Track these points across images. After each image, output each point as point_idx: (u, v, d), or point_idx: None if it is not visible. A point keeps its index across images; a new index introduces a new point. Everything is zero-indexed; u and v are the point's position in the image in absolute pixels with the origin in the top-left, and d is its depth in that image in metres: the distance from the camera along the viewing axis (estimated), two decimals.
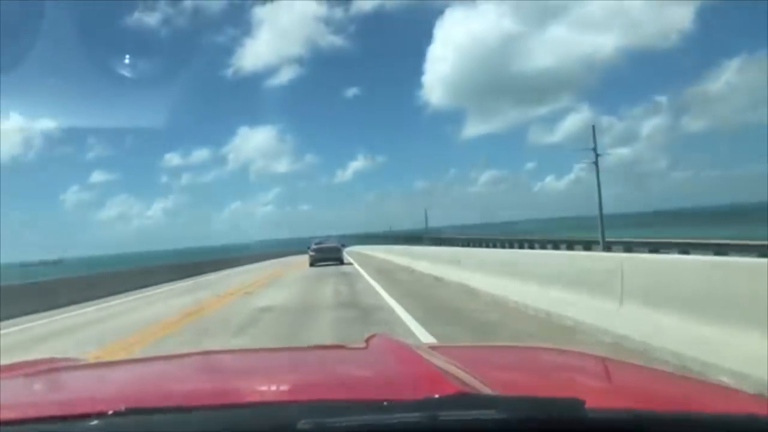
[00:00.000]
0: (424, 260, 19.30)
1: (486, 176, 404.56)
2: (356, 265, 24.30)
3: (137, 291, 17.56)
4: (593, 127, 38.67)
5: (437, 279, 14.46)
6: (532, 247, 33.19)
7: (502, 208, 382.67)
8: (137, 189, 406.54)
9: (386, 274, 18.06)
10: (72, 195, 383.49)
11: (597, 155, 36.98)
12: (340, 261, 25.76)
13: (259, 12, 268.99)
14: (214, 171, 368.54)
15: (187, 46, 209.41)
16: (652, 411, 0.89)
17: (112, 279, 19.18)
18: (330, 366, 1.54)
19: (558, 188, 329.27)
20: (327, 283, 15.56)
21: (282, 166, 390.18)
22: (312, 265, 24.65)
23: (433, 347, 2.00)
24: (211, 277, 24.01)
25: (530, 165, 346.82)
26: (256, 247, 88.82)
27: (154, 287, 18.76)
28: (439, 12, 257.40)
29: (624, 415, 0.85)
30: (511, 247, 36.16)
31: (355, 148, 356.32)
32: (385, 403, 0.84)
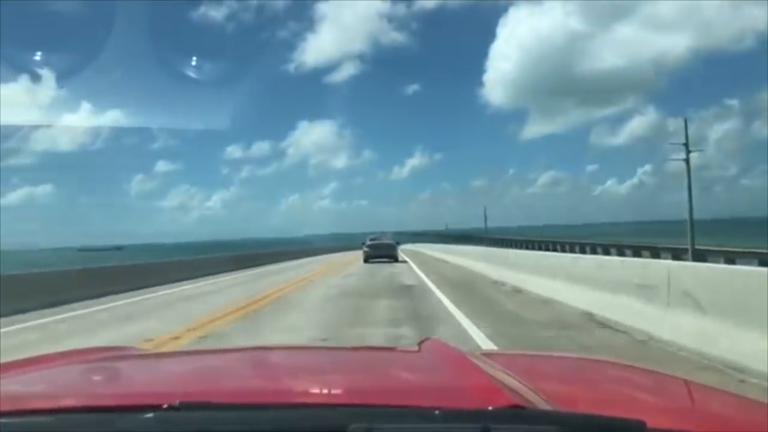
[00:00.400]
0: (516, 270, 11.97)
1: (545, 177, 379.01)
2: (417, 271, 17.31)
3: (109, 297, 10.83)
4: (685, 120, 31.39)
5: (590, 317, 6.96)
6: (621, 254, 26.78)
7: (562, 210, 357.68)
8: (199, 180, 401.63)
9: (475, 295, 10.47)
10: (136, 184, 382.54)
11: (689, 151, 29.94)
12: (395, 259, 23.93)
13: (322, 7, 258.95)
14: (274, 164, 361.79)
15: (251, 41, 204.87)
16: None
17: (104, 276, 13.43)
18: (381, 369, 1.39)
19: (619, 192, 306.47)
20: (375, 317, 8.01)
21: (340, 161, 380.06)
22: (366, 261, 23.12)
23: (486, 354, 1.64)
24: (223, 279, 17.02)
25: (591, 167, 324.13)
26: (310, 240, 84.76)
27: (145, 291, 12.26)
28: (503, 10, 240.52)
29: None
30: (593, 252, 30.19)
31: (412, 146, 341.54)
32: (437, 411, 0.75)
